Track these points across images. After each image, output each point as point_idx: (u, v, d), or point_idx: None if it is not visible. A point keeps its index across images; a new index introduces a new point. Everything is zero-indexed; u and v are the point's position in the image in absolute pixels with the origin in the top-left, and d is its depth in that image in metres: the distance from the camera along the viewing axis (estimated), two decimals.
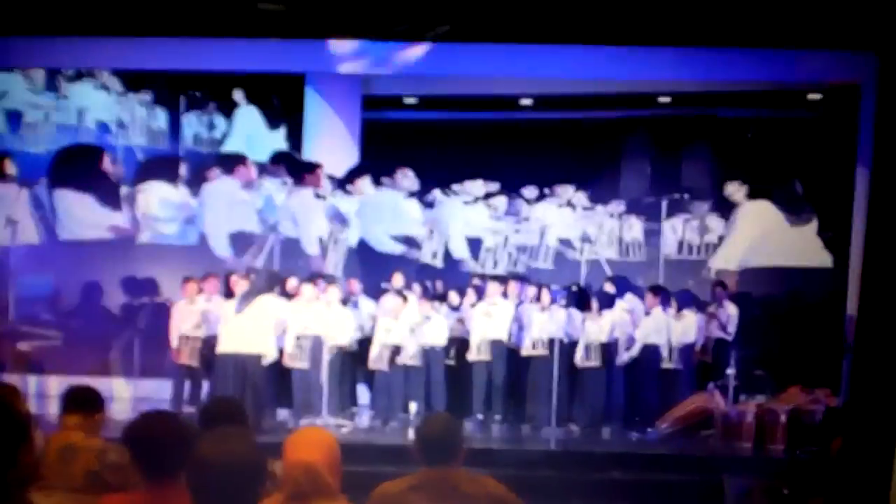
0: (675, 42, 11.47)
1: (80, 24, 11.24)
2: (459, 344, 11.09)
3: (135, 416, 3.45)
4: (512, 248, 12.79)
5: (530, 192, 12.83)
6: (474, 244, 12.79)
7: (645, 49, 11.67)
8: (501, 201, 12.83)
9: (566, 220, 12.79)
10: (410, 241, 12.72)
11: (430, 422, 3.91)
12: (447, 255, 12.78)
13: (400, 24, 11.38)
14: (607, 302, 10.93)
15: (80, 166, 12.58)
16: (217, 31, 11.59)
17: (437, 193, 12.74)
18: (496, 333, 10.86)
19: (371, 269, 12.31)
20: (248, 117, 12.78)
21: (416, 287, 11.59)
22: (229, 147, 12.78)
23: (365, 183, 12.65)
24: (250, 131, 12.76)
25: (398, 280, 11.44)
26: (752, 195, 12.57)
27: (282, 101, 12.72)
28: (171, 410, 7.60)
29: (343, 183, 12.64)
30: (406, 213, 12.70)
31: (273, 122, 12.76)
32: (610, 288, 11.42)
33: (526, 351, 10.77)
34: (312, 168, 12.56)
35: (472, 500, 3.64)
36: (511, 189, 12.80)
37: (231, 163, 12.57)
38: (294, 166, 12.64)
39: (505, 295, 11.04)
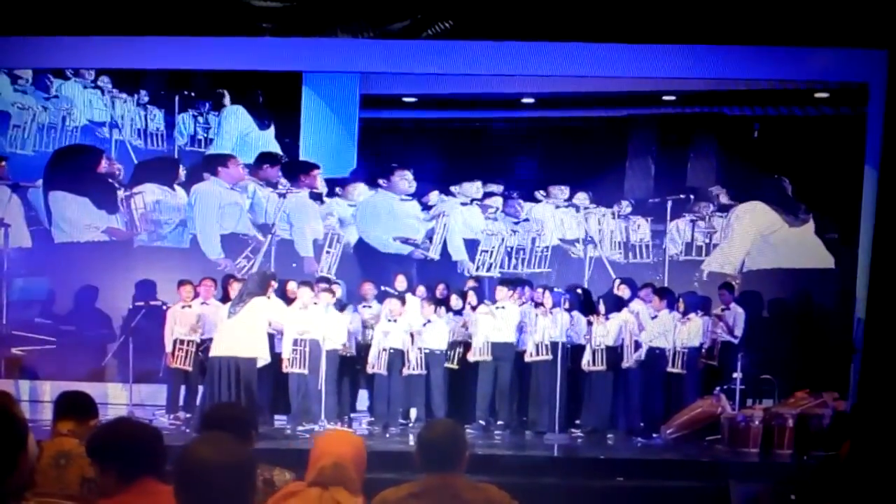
0: (680, 40, 11.38)
1: (71, 23, 11.13)
2: (462, 348, 10.92)
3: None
4: (513, 250, 12.63)
5: (532, 192, 12.65)
6: (474, 246, 12.62)
7: (649, 47, 11.57)
8: (502, 202, 12.66)
9: (569, 220, 12.64)
10: (408, 243, 12.55)
11: (433, 427, 3.91)
12: (446, 257, 12.60)
13: (399, 22, 11.29)
14: (614, 305, 10.75)
15: (77, 168, 12.49)
16: (212, 30, 11.49)
17: (435, 194, 12.57)
18: (500, 336, 10.69)
19: (368, 271, 12.16)
20: (243, 117, 12.64)
21: (419, 290, 11.42)
22: (224, 147, 12.63)
23: (359, 188, 12.49)
24: (245, 131, 12.64)
25: (401, 283, 11.28)
26: (748, 197, 12.41)
27: (278, 101, 12.58)
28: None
29: (335, 187, 12.50)
30: (404, 214, 12.53)
31: (268, 122, 12.63)
32: (624, 291, 11.21)
33: (529, 356, 10.61)
34: (308, 169, 12.44)
35: None
36: (513, 189, 12.66)
37: (223, 163, 12.47)
38: (289, 167, 12.52)
39: (510, 298, 10.84)
